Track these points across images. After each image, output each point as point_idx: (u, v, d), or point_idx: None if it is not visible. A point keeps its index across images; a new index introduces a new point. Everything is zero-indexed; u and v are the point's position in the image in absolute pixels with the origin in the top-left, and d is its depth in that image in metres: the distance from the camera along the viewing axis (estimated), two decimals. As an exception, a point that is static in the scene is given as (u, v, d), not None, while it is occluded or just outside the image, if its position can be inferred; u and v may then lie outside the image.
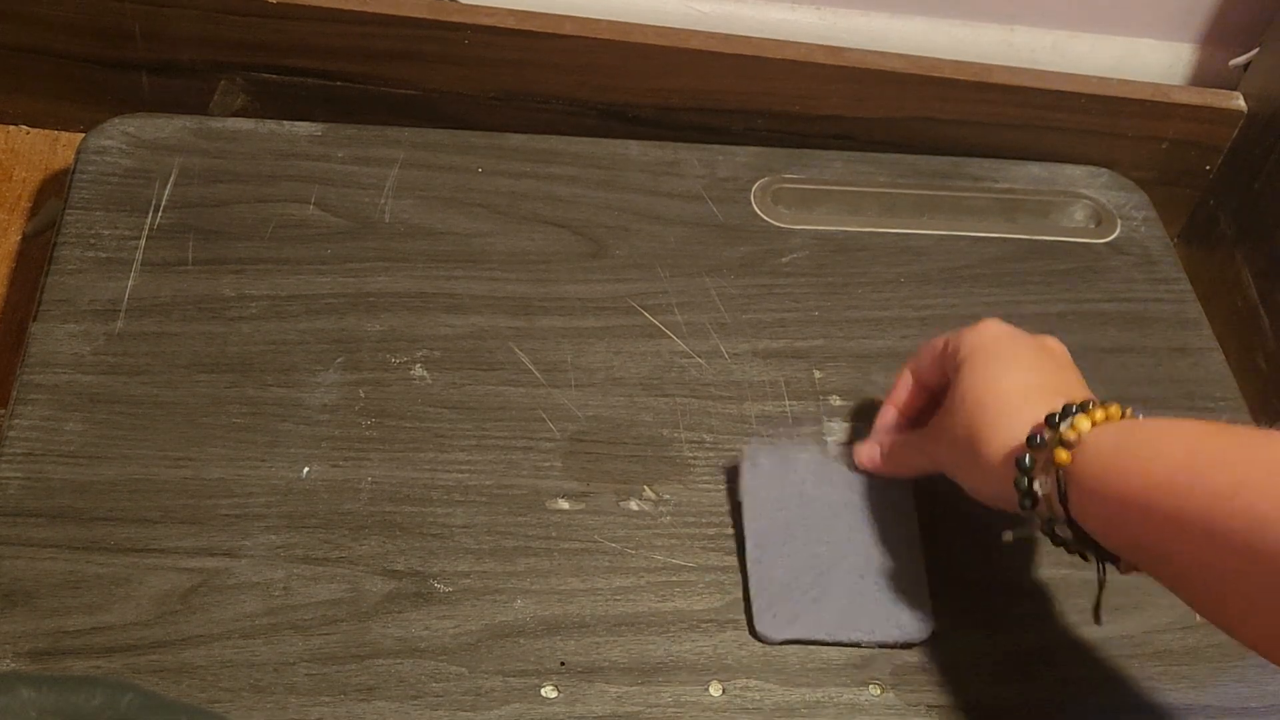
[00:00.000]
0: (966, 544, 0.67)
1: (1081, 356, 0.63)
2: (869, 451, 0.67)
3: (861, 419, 0.70)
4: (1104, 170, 0.89)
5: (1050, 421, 0.55)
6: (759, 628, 0.62)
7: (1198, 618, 0.65)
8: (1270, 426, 0.49)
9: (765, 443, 0.68)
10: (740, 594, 0.63)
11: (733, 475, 0.67)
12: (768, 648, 0.62)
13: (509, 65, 0.86)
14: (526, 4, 0.85)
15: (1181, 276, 0.83)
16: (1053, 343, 0.63)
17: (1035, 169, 0.88)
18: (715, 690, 0.60)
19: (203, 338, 0.70)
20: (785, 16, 0.89)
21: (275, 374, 0.69)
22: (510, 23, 0.84)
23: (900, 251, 0.81)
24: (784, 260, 0.79)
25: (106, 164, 0.77)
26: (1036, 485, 0.55)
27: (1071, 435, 0.54)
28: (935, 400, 0.65)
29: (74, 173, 0.76)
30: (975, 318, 0.63)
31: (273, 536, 0.62)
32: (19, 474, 0.63)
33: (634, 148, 0.84)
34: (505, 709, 0.58)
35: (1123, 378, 0.76)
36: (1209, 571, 0.48)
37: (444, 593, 0.62)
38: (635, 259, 0.78)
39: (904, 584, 0.63)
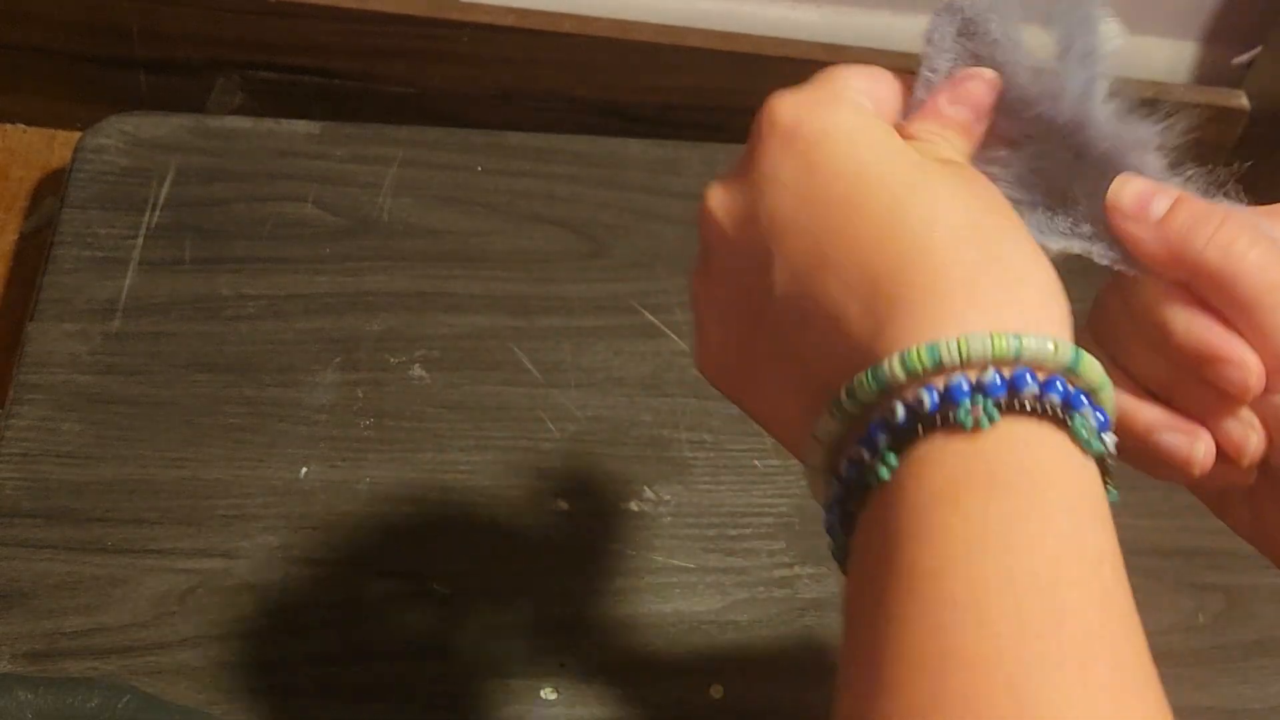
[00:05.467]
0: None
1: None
2: None
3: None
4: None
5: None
6: None
7: (1200, 618, 0.65)
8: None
9: None
10: (742, 595, 0.63)
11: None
12: (768, 649, 0.61)
13: (508, 63, 0.86)
14: (526, 2, 0.85)
15: (1184, 275, 0.82)
16: None
17: (1037, 167, 0.88)
18: (715, 692, 0.60)
19: (200, 337, 0.69)
20: (786, 14, 0.89)
21: (273, 374, 0.68)
22: (509, 20, 0.84)
23: (901, 250, 0.81)
24: (785, 259, 0.79)
25: (104, 163, 0.76)
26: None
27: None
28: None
29: (71, 171, 0.76)
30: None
31: (271, 537, 0.62)
32: (16, 474, 0.63)
33: (634, 146, 0.84)
34: (505, 709, 0.58)
35: (1125, 377, 0.76)
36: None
37: (443, 594, 0.61)
38: (635, 258, 0.77)
39: None
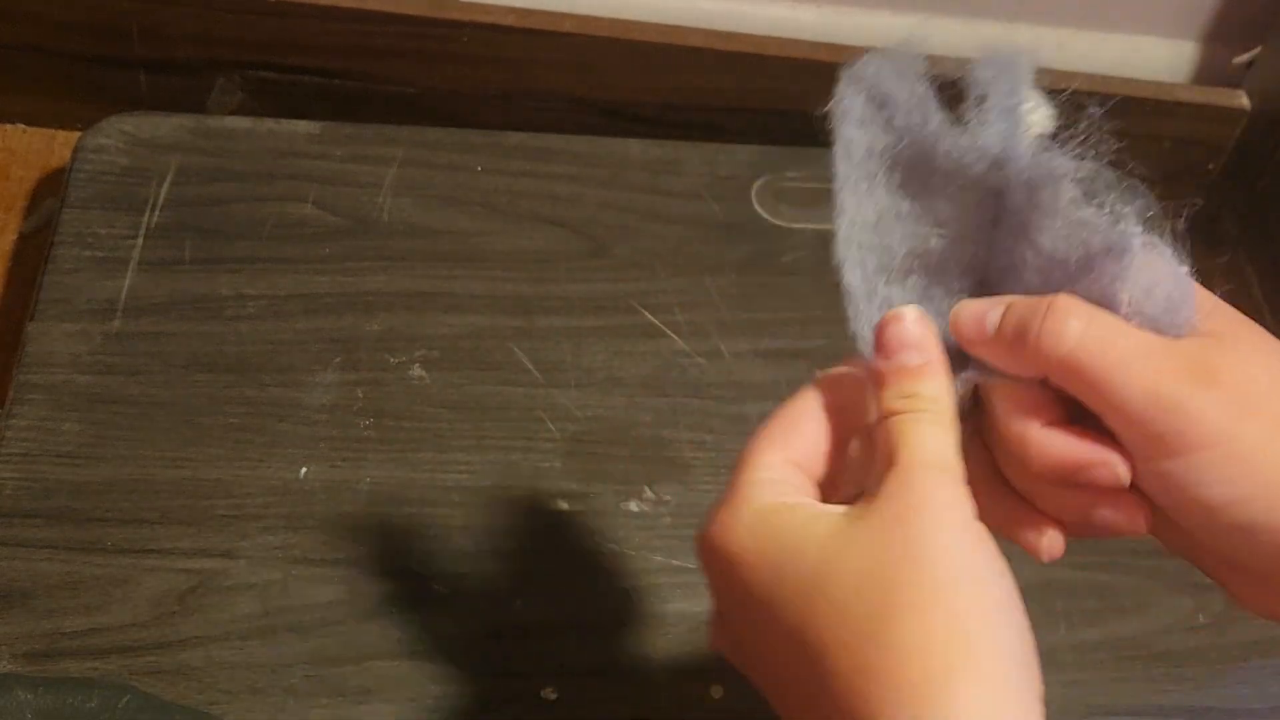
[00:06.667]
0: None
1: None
2: None
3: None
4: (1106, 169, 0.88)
5: None
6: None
7: (1200, 618, 0.65)
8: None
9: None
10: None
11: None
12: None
13: (509, 63, 0.86)
14: (526, 2, 0.85)
15: (1184, 275, 0.82)
16: None
17: (1037, 167, 0.87)
18: (715, 692, 0.60)
19: (200, 337, 0.69)
20: (786, 14, 0.89)
21: (273, 374, 0.68)
22: (510, 20, 0.84)
23: (901, 250, 0.81)
24: (785, 259, 0.79)
25: (104, 162, 0.76)
26: None
27: None
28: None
29: (71, 171, 0.76)
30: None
31: (270, 537, 0.62)
32: (16, 474, 0.63)
33: (634, 146, 0.84)
34: (505, 710, 0.58)
35: (1125, 377, 0.76)
36: None
37: (443, 594, 0.61)
38: (635, 258, 0.77)
39: None
